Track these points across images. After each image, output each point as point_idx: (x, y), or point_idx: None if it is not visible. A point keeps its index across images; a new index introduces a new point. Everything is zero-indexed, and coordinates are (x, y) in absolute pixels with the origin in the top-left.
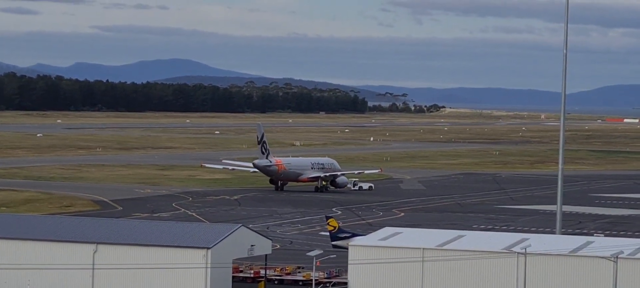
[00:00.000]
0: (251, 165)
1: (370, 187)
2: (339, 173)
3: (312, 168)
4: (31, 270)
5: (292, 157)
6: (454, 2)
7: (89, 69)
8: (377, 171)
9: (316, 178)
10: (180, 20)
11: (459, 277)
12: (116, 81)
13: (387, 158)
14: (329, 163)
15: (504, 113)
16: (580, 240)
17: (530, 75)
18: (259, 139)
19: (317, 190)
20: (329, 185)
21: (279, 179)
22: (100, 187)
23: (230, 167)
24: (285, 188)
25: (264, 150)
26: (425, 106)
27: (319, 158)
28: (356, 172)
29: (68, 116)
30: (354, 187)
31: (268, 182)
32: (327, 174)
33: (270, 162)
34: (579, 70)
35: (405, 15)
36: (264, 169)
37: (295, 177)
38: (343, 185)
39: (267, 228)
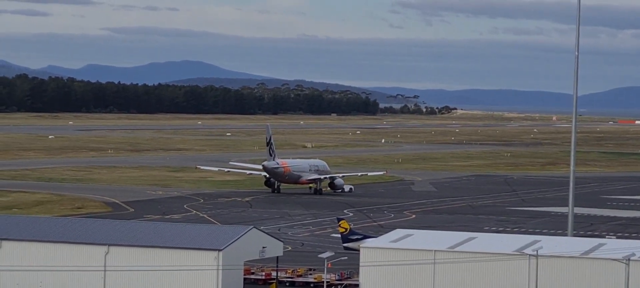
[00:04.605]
0: (250, 167)
1: (351, 189)
2: (340, 175)
3: (309, 170)
4: (43, 272)
5: (291, 158)
6: (464, 4)
7: (100, 71)
8: (382, 173)
9: (314, 180)
10: (190, 22)
11: (470, 279)
12: (128, 83)
13: (398, 160)
14: (321, 165)
15: (516, 115)
16: (592, 242)
17: (541, 77)
18: (267, 141)
19: (316, 192)
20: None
21: (283, 181)
22: (111, 189)
23: (226, 169)
24: (281, 190)
25: (271, 152)
26: (437, 108)
27: (312, 160)
28: (359, 174)
29: (80, 118)
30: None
31: (263, 184)
32: (326, 176)
33: (277, 164)
34: (590, 72)
35: (415, 17)
36: (271, 171)
37: (296, 179)
38: (340, 187)
39: (279, 230)
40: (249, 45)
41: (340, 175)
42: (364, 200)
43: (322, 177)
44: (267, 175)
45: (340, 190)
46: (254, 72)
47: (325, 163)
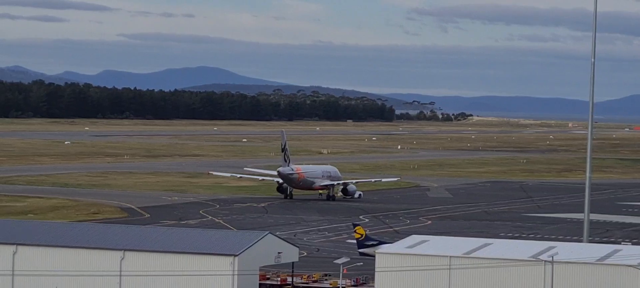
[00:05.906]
0: (263, 173)
1: (360, 195)
2: (353, 181)
3: (322, 176)
4: (59, 277)
5: (304, 165)
6: (480, 11)
7: (116, 77)
8: (396, 179)
9: (326, 186)
10: (206, 28)
11: (486, 285)
12: (144, 89)
13: (414, 166)
14: (333, 171)
15: (532, 121)
16: (608, 248)
17: (557, 84)
18: (282, 147)
19: (329, 198)
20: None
21: (297, 187)
22: (127, 194)
23: (238, 175)
24: (293, 196)
25: (286, 158)
26: (453, 114)
27: (324, 166)
28: (373, 180)
29: (96, 123)
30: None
31: (275, 190)
32: (339, 182)
33: (292, 170)
34: (606, 79)
35: (431, 24)
36: (286, 177)
37: (310, 185)
38: (353, 193)
39: (294, 235)
40: (265, 51)
41: (354, 181)
42: (379, 206)
43: (334, 183)
44: (281, 181)
45: (350, 196)
46: (270, 78)
47: (336, 169)
